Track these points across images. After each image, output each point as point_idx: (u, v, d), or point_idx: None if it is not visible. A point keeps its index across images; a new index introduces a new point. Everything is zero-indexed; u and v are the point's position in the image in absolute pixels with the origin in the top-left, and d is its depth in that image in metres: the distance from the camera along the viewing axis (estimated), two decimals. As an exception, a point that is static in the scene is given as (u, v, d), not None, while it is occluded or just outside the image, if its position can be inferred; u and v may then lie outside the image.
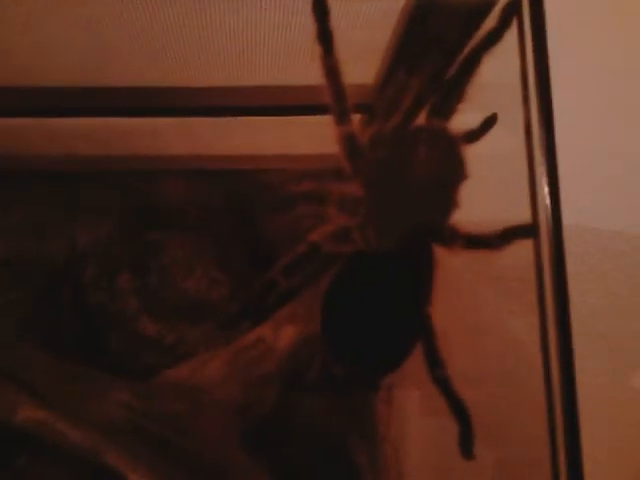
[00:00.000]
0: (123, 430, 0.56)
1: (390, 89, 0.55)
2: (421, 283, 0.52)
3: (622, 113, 0.67)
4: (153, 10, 0.58)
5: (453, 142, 0.51)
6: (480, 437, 0.51)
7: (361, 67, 0.67)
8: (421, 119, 0.52)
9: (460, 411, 0.51)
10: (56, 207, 0.87)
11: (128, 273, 0.84)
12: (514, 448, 0.54)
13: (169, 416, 0.61)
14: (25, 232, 0.86)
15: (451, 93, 0.50)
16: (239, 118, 0.77)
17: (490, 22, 0.48)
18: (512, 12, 0.46)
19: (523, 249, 0.46)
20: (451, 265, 0.53)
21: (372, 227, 0.52)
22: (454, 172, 0.51)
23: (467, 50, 0.49)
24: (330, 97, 0.50)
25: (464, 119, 0.51)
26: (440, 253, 0.51)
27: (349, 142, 0.51)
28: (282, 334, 0.67)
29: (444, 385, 0.51)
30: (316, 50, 0.49)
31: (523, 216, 0.45)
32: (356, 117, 0.53)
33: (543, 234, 0.43)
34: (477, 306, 0.60)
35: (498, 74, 0.50)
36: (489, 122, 0.52)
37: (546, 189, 0.43)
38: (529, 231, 0.45)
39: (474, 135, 0.53)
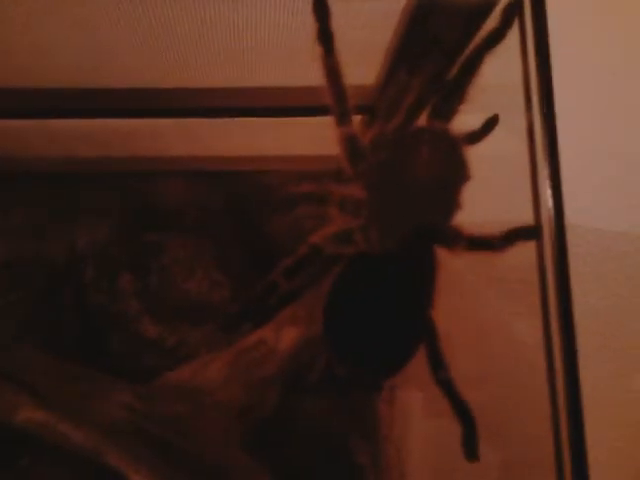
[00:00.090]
0: (125, 431, 0.56)
1: (391, 90, 0.55)
2: (423, 285, 0.51)
3: (622, 113, 0.67)
4: (153, 11, 0.58)
5: (455, 143, 0.51)
6: (483, 438, 0.51)
7: (362, 68, 0.66)
8: (422, 120, 0.52)
9: (464, 413, 0.50)
10: (56, 209, 0.87)
11: (129, 274, 0.84)
12: (517, 449, 0.54)
13: (170, 418, 0.61)
14: (25, 234, 0.86)
15: (453, 94, 0.50)
16: (239, 119, 0.77)
17: (491, 22, 0.48)
18: (514, 12, 0.46)
19: (525, 250, 0.46)
20: (453, 267, 0.53)
21: (374, 229, 0.52)
22: (456, 173, 0.51)
23: (468, 51, 0.49)
24: (331, 98, 0.50)
25: (466, 120, 0.51)
26: (442, 255, 0.51)
27: (350, 143, 0.51)
28: (283, 336, 0.67)
29: (447, 387, 0.50)
30: (317, 51, 0.49)
31: (525, 217, 0.45)
32: (357, 118, 0.52)
33: (546, 235, 0.43)
34: (480, 307, 0.60)
35: (500, 75, 0.49)
36: (491, 123, 0.52)
37: (549, 190, 0.43)
38: (532, 232, 0.45)
39: (476, 136, 0.52)
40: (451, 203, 0.51)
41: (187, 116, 0.77)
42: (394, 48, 0.62)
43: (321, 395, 0.73)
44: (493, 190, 0.55)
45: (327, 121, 0.51)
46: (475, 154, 0.51)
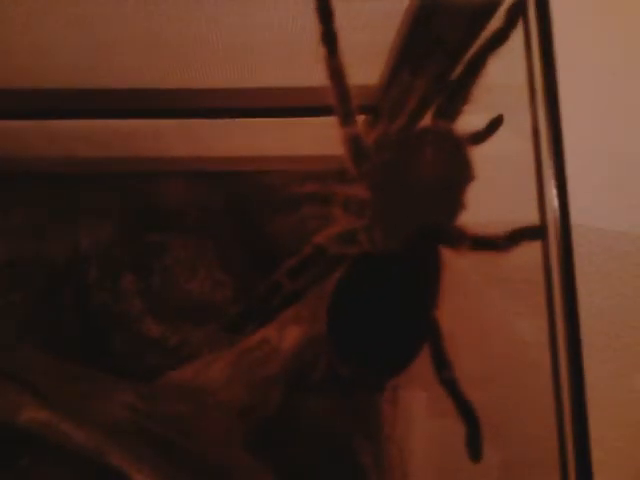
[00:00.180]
0: (127, 431, 0.56)
1: (394, 90, 0.55)
2: (428, 285, 0.51)
3: (623, 113, 0.68)
4: (154, 11, 0.58)
5: (459, 143, 0.51)
6: (487, 438, 0.51)
7: (365, 68, 0.66)
8: (427, 120, 0.52)
9: (468, 413, 0.50)
10: (56, 209, 0.87)
11: (132, 274, 0.84)
12: (521, 449, 0.54)
13: (173, 417, 0.61)
14: (25, 234, 0.86)
15: (457, 94, 0.50)
16: (240, 120, 0.77)
17: (496, 22, 0.48)
18: (518, 12, 0.46)
19: (529, 250, 0.46)
20: (458, 267, 0.53)
21: (378, 229, 0.52)
22: (460, 173, 0.51)
23: (473, 51, 0.49)
24: (335, 98, 0.50)
25: (470, 120, 0.51)
26: (447, 255, 0.51)
27: (354, 143, 0.51)
28: (287, 335, 0.67)
29: (452, 387, 0.50)
30: (320, 52, 0.49)
31: (530, 217, 0.45)
32: (360, 118, 0.52)
33: (551, 235, 0.43)
34: (484, 308, 0.60)
35: (504, 75, 0.49)
36: (495, 123, 0.52)
37: (554, 190, 0.43)
38: (537, 232, 0.45)
39: (480, 136, 0.52)
40: (455, 203, 0.51)
41: (188, 116, 0.77)
42: (397, 48, 0.62)
43: (324, 395, 0.73)
44: (498, 190, 0.55)
45: (330, 121, 0.51)
46: (480, 154, 0.51)
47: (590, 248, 0.66)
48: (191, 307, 0.84)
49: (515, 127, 0.50)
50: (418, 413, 0.73)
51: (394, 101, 0.53)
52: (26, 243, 0.86)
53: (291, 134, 0.82)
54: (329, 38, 0.49)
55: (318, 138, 0.70)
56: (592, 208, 0.66)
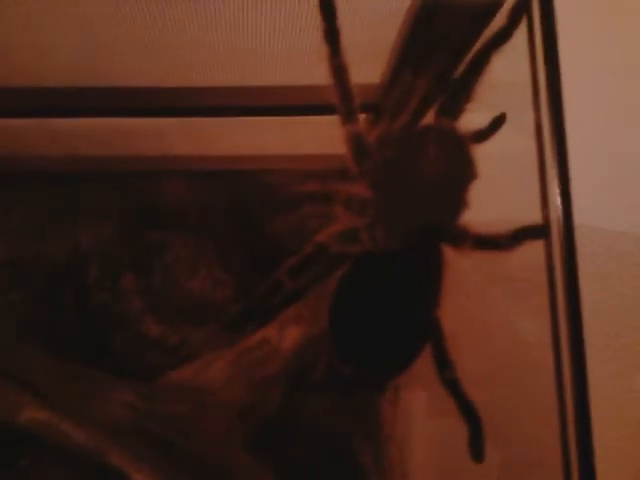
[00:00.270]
0: (127, 431, 0.56)
1: (397, 89, 0.55)
2: (429, 284, 0.51)
3: (623, 113, 0.68)
4: (156, 10, 0.58)
5: (462, 142, 0.51)
6: (489, 438, 0.50)
7: (367, 67, 0.66)
8: (429, 118, 0.52)
9: (470, 413, 0.50)
10: (56, 208, 0.87)
11: (132, 274, 0.84)
12: (523, 449, 0.54)
13: (173, 417, 0.61)
14: (25, 234, 0.86)
15: (460, 92, 0.50)
16: (242, 118, 0.77)
17: (499, 20, 0.48)
18: (521, 11, 0.46)
19: (532, 250, 0.46)
20: (460, 266, 0.53)
21: (380, 227, 0.52)
22: (463, 172, 0.51)
23: (476, 49, 0.49)
24: (337, 97, 0.50)
25: (473, 118, 0.51)
26: (449, 254, 0.51)
27: (356, 142, 0.51)
28: (287, 335, 0.67)
29: (454, 387, 0.50)
30: (323, 50, 0.49)
31: (533, 216, 0.45)
32: (362, 117, 0.52)
33: (554, 234, 0.43)
34: (486, 307, 0.60)
35: (507, 73, 0.49)
36: (498, 121, 0.52)
37: (557, 189, 0.43)
38: (540, 232, 0.45)
39: (483, 134, 0.52)
40: (458, 202, 0.51)
41: (189, 115, 0.77)
42: (399, 47, 0.62)
43: (324, 395, 0.73)
44: (500, 189, 0.55)
45: (331, 120, 0.51)
46: (482, 152, 0.51)
47: (592, 248, 0.66)
48: (191, 306, 0.83)
49: (518, 125, 0.50)
50: (418, 413, 0.73)
51: (396, 100, 0.53)
52: (26, 243, 0.86)
53: (292, 133, 0.82)
54: (332, 36, 0.48)
55: (320, 137, 0.70)
56: (592, 208, 0.66)
